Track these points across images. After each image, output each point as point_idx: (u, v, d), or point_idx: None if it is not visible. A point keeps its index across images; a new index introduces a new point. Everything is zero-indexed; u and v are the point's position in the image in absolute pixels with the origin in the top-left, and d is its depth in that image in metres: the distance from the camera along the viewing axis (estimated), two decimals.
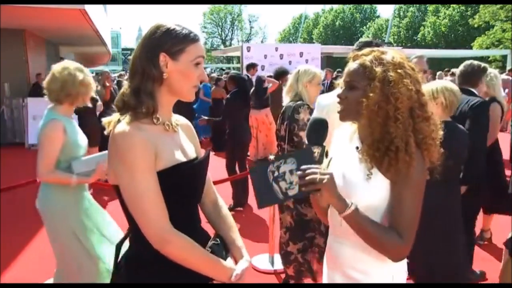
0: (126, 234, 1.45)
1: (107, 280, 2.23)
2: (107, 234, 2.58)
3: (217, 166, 6.16)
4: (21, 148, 9.59)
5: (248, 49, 15.72)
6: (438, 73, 11.91)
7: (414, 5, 45.00)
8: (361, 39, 2.71)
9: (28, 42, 11.63)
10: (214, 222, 1.53)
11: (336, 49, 23.07)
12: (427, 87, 2.53)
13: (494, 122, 3.47)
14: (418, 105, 1.35)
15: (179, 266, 1.27)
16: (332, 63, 20.34)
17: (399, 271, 1.46)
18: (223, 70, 23.46)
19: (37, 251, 4.17)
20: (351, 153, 1.45)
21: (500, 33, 31.20)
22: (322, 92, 3.18)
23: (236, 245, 1.46)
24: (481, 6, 32.22)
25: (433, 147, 1.37)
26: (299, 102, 2.99)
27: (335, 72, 12.32)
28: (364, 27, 50.78)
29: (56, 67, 2.54)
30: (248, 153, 7.22)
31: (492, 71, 3.92)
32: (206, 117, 6.04)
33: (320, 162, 1.33)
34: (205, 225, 1.53)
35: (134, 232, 1.31)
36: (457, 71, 3.82)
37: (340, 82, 1.49)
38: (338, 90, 1.48)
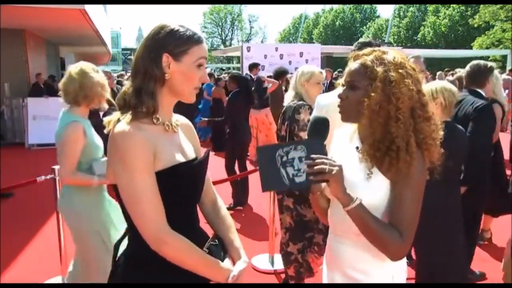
0: (125, 233, 1.45)
1: None
2: None
3: (217, 166, 6.16)
4: (21, 148, 9.59)
5: (248, 49, 15.74)
6: (438, 73, 11.90)
7: (414, 5, 44.99)
8: (360, 40, 2.71)
9: (28, 42, 11.64)
10: (213, 222, 1.53)
11: (336, 49, 23.09)
12: (426, 88, 2.53)
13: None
14: (419, 105, 1.35)
15: (177, 266, 1.27)
16: (332, 63, 20.34)
17: (399, 271, 1.46)
18: (223, 70, 23.47)
19: (37, 251, 4.17)
20: (351, 153, 1.45)
21: (500, 33, 31.19)
22: (322, 92, 3.17)
23: (234, 246, 1.46)
24: (481, 6, 32.21)
25: (433, 147, 1.37)
26: (299, 102, 2.99)
27: (336, 72, 12.31)
28: (364, 27, 50.78)
29: (73, 68, 2.53)
30: (248, 153, 7.22)
31: None
32: (206, 119, 6.02)
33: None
34: (204, 225, 1.53)
35: (133, 231, 1.31)
36: (462, 71, 3.81)
37: (341, 82, 1.49)
38: (338, 90, 1.48)
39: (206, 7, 77.47)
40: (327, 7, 56.25)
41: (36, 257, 4.04)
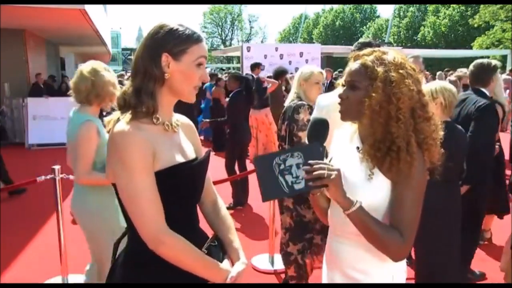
0: (125, 232, 1.45)
1: None
2: None
3: (217, 166, 6.16)
4: (21, 148, 9.59)
5: (248, 49, 15.73)
6: (438, 73, 11.89)
7: (414, 5, 44.97)
8: (360, 40, 2.71)
9: (28, 42, 11.65)
10: (213, 222, 1.53)
11: (336, 49, 23.07)
12: (426, 88, 2.53)
13: None
14: (419, 105, 1.36)
15: (176, 266, 1.27)
16: (332, 63, 20.33)
17: (399, 271, 1.46)
18: (223, 70, 23.46)
19: (37, 251, 4.17)
20: (352, 153, 1.45)
21: (500, 33, 31.18)
22: (322, 92, 3.17)
23: (233, 247, 1.45)
24: (481, 6, 32.18)
25: (433, 147, 1.37)
26: (299, 102, 2.99)
27: (336, 72, 12.30)
28: (364, 27, 50.78)
29: (85, 67, 2.53)
30: (248, 153, 7.22)
31: None
32: (208, 120, 5.99)
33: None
34: (204, 225, 1.53)
35: (132, 230, 1.31)
36: (463, 70, 3.82)
37: (341, 82, 1.49)
38: (339, 90, 1.48)
39: (206, 7, 77.53)
40: (327, 7, 56.31)
41: (36, 257, 4.04)
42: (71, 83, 2.59)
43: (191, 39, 1.33)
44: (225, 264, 1.38)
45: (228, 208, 5.11)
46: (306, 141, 1.42)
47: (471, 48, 33.81)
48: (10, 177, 5.88)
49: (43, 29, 11.61)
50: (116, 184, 1.29)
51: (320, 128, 1.39)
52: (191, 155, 1.43)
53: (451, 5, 39.75)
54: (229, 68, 27.80)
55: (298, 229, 3.01)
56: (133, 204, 1.24)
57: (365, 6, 52.73)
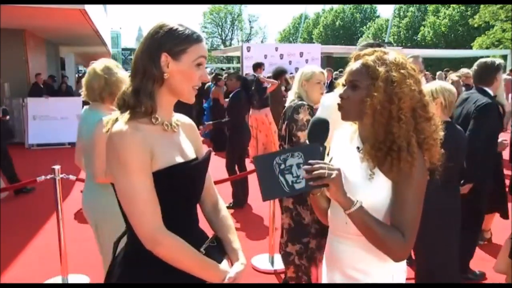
0: (124, 231, 1.45)
1: None
2: None
3: (217, 166, 6.16)
4: (21, 148, 9.58)
5: (248, 49, 15.73)
6: (438, 73, 11.89)
7: (414, 5, 44.97)
8: (364, 42, 2.70)
9: (28, 42, 11.64)
10: (213, 223, 1.53)
11: (336, 49, 23.08)
12: (426, 88, 2.54)
13: None
14: (420, 105, 1.36)
15: (174, 266, 1.27)
16: (332, 63, 20.32)
17: (399, 271, 1.46)
18: (223, 70, 23.44)
19: (37, 251, 4.17)
20: (352, 154, 1.45)
21: (500, 33, 31.18)
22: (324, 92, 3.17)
23: (232, 247, 1.45)
24: (481, 6, 32.18)
25: (434, 147, 1.37)
26: (299, 102, 2.98)
27: (337, 72, 12.30)
28: (364, 27, 50.76)
29: (98, 65, 2.53)
30: (248, 153, 7.22)
31: None
32: (211, 122, 5.95)
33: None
34: (204, 225, 1.53)
35: (131, 230, 1.31)
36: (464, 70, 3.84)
37: (341, 82, 1.49)
38: (339, 90, 1.48)
39: (206, 7, 77.49)
40: (327, 7, 56.29)
41: (36, 257, 4.04)
42: (83, 81, 2.59)
43: (191, 39, 1.33)
44: (224, 264, 1.38)
45: (228, 208, 5.11)
46: (306, 141, 1.42)
47: (471, 48, 33.81)
48: (17, 176, 5.92)
49: (43, 29, 11.60)
50: (114, 184, 1.29)
51: (321, 128, 1.39)
52: (191, 155, 1.42)
53: (451, 5, 39.73)
54: (229, 68, 27.78)
55: (298, 230, 3.01)
56: (130, 205, 1.24)
57: (365, 6, 52.72)
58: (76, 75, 20.24)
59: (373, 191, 1.36)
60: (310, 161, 1.27)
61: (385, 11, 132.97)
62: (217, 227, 1.51)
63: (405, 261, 1.47)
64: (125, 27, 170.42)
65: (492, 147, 3.33)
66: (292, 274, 3.09)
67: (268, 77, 8.88)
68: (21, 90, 10.96)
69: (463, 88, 7.68)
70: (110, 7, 20.41)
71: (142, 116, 1.31)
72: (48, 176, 3.45)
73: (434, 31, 40.73)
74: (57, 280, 3.51)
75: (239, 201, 5.47)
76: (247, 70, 14.08)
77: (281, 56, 15.82)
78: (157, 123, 1.33)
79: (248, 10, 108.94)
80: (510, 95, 7.73)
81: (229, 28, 61.15)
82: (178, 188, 1.34)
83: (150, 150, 1.27)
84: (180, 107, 1.45)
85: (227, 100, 6.48)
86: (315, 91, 3.01)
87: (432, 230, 2.54)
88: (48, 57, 14.90)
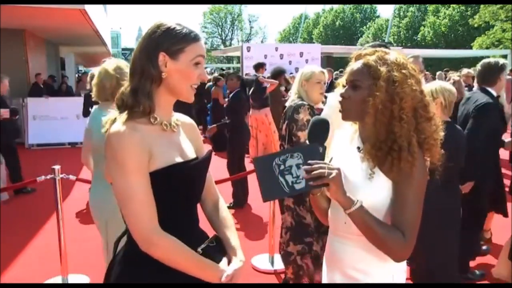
0: (125, 231, 1.45)
1: None
2: None
3: (217, 166, 6.16)
4: (21, 148, 9.57)
5: (248, 49, 15.72)
6: (438, 73, 11.90)
7: (414, 5, 44.97)
8: (368, 44, 2.71)
9: (28, 42, 11.64)
10: (214, 222, 1.53)
11: (336, 49, 23.07)
12: (426, 88, 2.54)
13: None
14: (421, 105, 1.36)
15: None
16: (332, 63, 20.32)
17: (399, 271, 1.46)
18: (223, 70, 23.44)
19: (37, 251, 4.17)
20: (352, 154, 1.45)
21: (500, 33, 31.18)
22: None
23: (230, 245, 1.45)
24: (481, 6, 32.18)
25: (434, 147, 1.37)
26: (299, 102, 2.98)
27: (337, 72, 12.30)
28: (364, 27, 50.76)
29: (109, 65, 2.54)
30: (248, 153, 7.22)
31: None
32: (215, 125, 5.89)
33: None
34: (204, 226, 1.53)
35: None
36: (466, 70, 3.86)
37: (341, 82, 1.49)
38: (340, 90, 1.48)
39: (206, 7, 77.41)
40: (327, 7, 56.29)
41: (36, 257, 4.04)
42: (93, 82, 2.59)
43: (189, 38, 1.33)
44: (222, 264, 1.37)
45: (228, 208, 5.08)
46: (306, 141, 1.42)
47: (471, 48, 33.81)
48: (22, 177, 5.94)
49: (43, 29, 11.60)
50: (112, 185, 1.29)
51: (321, 128, 1.39)
52: (191, 154, 1.42)
53: (451, 5, 39.74)
54: (229, 68, 27.79)
55: (299, 230, 3.01)
56: (127, 205, 1.24)
57: (365, 6, 52.72)
58: (76, 75, 20.25)
59: (373, 191, 1.36)
60: (309, 161, 1.28)
61: (385, 11, 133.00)
62: (217, 226, 1.51)
63: (405, 261, 1.47)
64: (125, 27, 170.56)
65: (492, 147, 3.34)
66: (291, 275, 3.09)
67: (267, 77, 8.89)
68: (21, 90, 10.95)
69: (466, 88, 7.68)
70: (110, 7, 20.43)
71: (141, 116, 1.31)
72: (48, 176, 3.45)
73: (434, 31, 40.73)
74: (57, 280, 3.51)
75: (239, 201, 5.47)
76: (247, 70, 14.07)
77: (281, 56, 15.81)
78: (155, 123, 1.33)
79: (248, 10, 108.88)
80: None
81: (229, 28, 61.14)
82: (178, 188, 1.34)
83: (148, 150, 1.27)
84: (180, 106, 1.45)
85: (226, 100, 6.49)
86: (315, 90, 3.01)
87: (432, 230, 2.54)
88: (48, 57, 14.90)
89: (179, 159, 1.35)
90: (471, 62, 29.78)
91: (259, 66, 8.68)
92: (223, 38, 60.58)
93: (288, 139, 3.01)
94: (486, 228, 4.17)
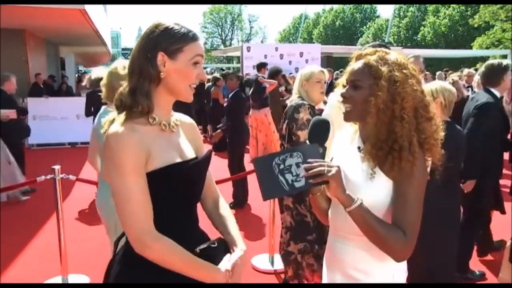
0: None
1: None
2: None
3: (218, 166, 6.17)
4: None
5: (248, 49, 15.72)
6: (438, 73, 11.90)
7: (414, 5, 44.97)
8: (368, 44, 2.72)
9: (28, 42, 11.64)
10: (214, 218, 1.53)
11: (336, 49, 23.08)
12: (426, 88, 2.54)
13: None
14: (422, 105, 1.36)
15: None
16: (332, 63, 20.33)
17: (399, 271, 1.46)
18: (223, 70, 23.45)
19: (37, 251, 4.17)
20: (353, 154, 1.45)
21: (500, 33, 31.19)
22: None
23: (231, 235, 1.45)
24: (481, 6, 32.19)
25: (435, 147, 1.38)
26: (300, 102, 2.99)
27: (338, 72, 12.31)
28: (364, 27, 50.76)
29: (118, 65, 2.53)
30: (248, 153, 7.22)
31: None
32: (218, 130, 5.82)
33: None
34: (205, 226, 1.53)
35: None
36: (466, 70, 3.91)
37: (341, 82, 1.49)
38: (340, 90, 1.48)
39: (206, 7, 77.41)
40: (327, 7, 56.30)
41: (36, 257, 4.04)
42: (102, 83, 2.59)
43: (187, 37, 1.33)
44: (222, 264, 1.35)
45: None
46: (306, 141, 1.42)
47: (471, 48, 33.82)
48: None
49: (43, 29, 11.61)
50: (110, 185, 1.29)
51: (321, 129, 1.39)
52: (190, 154, 1.42)
53: (451, 5, 39.75)
54: (229, 68, 27.79)
55: (299, 228, 3.01)
56: (122, 206, 1.24)
57: (365, 6, 52.73)
58: (76, 75, 20.25)
59: (374, 190, 1.36)
60: (309, 160, 1.28)
61: (385, 11, 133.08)
62: (218, 222, 1.51)
63: (405, 261, 1.47)
64: (125, 27, 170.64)
65: (493, 146, 3.35)
66: (293, 273, 3.09)
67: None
68: (21, 90, 10.91)
69: (469, 89, 7.70)
70: (110, 7, 20.44)
71: (139, 116, 1.30)
72: (48, 176, 3.45)
73: (434, 31, 40.74)
74: (57, 280, 3.51)
75: (240, 201, 5.48)
76: (247, 70, 14.08)
77: (281, 56, 15.81)
78: (154, 123, 1.33)
79: (248, 10, 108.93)
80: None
81: (229, 28, 61.13)
82: (177, 188, 1.34)
83: (147, 151, 1.26)
84: (180, 106, 1.45)
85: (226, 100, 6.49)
86: (315, 90, 3.02)
87: (432, 230, 2.54)
88: (48, 57, 14.91)
89: (178, 159, 1.35)
90: (471, 62, 29.78)
91: (261, 66, 8.67)
92: (223, 38, 60.58)
93: (288, 138, 3.02)
94: None
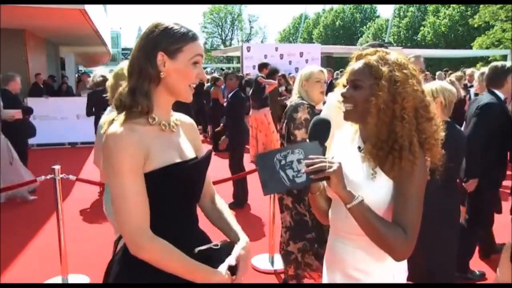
0: None
1: None
2: None
3: (217, 166, 6.17)
4: None
5: (248, 49, 15.73)
6: (437, 73, 11.92)
7: (414, 5, 44.98)
8: (367, 43, 2.72)
9: (28, 42, 11.64)
10: (212, 214, 1.54)
11: (336, 49, 23.11)
12: (426, 88, 2.55)
13: None
14: (422, 105, 1.37)
15: None
16: (332, 63, 20.34)
17: (399, 271, 1.46)
18: (223, 70, 23.46)
19: (37, 251, 4.17)
20: (353, 154, 1.45)
21: (500, 33, 31.18)
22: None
23: (231, 228, 1.47)
24: (481, 6, 32.19)
25: (435, 147, 1.38)
26: (299, 101, 2.99)
27: (338, 72, 12.31)
28: (364, 27, 50.77)
29: (125, 66, 2.53)
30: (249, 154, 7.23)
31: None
32: (224, 137, 5.56)
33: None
34: (204, 226, 1.53)
35: None
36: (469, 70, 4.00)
37: (341, 81, 1.49)
38: (340, 90, 1.48)
39: (206, 7, 77.40)
40: (327, 7, 56.31)
41: (36, 257, 4.04)
42: (108, 83, 2.59)
43: (187, 37, 1.32)
44: (222, 267, 1.32)
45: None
46: (303, 140, 1.43)
47: (471, 48, 33.81)
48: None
49: (43, 29, 11.61)
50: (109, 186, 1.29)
51: (322, 128, 1.39)
52: (190, 154, 1.42)
53: (451, 5, 39.75)
54: (229, 68, 27.80)
55: (298, 228, 3.02)
56: (118, 207, 1.24)
57: (365, 6, 52.74)
58: (76, 75, 20.25)
59: (374, 190, 1.36)
60: (310, 156, 1.29)
61: (385, 11, 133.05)
62: (216, 216, 1.52)
63: (405, 261, 1.47)
64: (125, 27, 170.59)
65: (495, 146, 3.38)
66: (293, 273, 3.09)
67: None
68: (21, 90, 10.94)
69: (470, 90, 7.71)
70: (110, 7, 20.44)
71: (139, 116, 1.30)
72: (48, 176, 3.45)
73: (434, 31, 40.74)
74: (57, 280, 3.51)
75: (240, 201, 5.48)
76: (247, 70, 14.08)
77: (281, 56, 15.83)
78: (154, 123, 1.33)
79: (248, 10, 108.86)
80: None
81: (229, 28, 61.14)
82: (177, 188, 1.33)
83: (146, 151, 1.26)
84: (179, 106, 1.45)
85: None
86: (315, 90, 3.02)
87: (432, 230, 2.54)
88: (48, 57, 14.91)
89: (178, 159, 1.34)
90: (471, 62, 29.80)
91: (262, 66, 8.67)
92: (223, 38, 60.59)
93: (287, 138, 3.02)
94: None
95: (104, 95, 2.64)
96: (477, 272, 3.54)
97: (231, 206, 5.32)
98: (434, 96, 2.67)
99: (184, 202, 1.40)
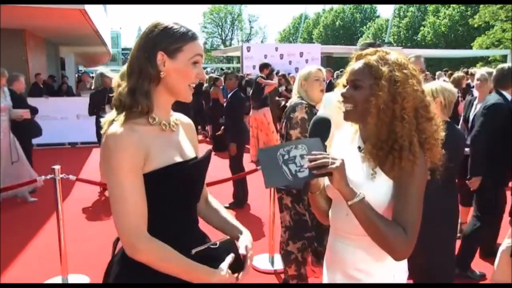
0: None
1: None
2: None
3: (217, 166, 6.17)
4: None
5: (248, 49, 15.74)
6: (437, 73, 11.93)
7: (414, 5, 44.98)
8: (364, 41, 2.72)
9: (28, 42, 11.64)
10: (207, 213, 1.54)
11: (336, 49, 23.12)
12: (426, 87, 2.55)
13: None
14: (422, 105, 1.37)
15: None
16: (332, 63, 20.34)
17: (399, 271, 1.46)
18: (223, 70, 23.46)
19: (37, 251, 4.17)
20: (353, 154, 1.45)
21: (500, 33, 31.18)
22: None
23: (232, 224, 1.48)
24: (481, 6, 32.20)
25: (435, 147, 1.38)
26: (298, 101, 2.99)
27: (338, 72, 12.30)
28: (364, 27, 50.77)
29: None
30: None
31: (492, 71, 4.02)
32: (233, 144, 5.40)
33: None
34: (204, 227, 1.53)
35: None
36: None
37: (341, 82, 1.49)
38: (340, 90, 1.48)
39: (206, 7, 77.37)
40: (327, 7, 56.32)
41: (36, 257, 4.04)
42: (113, 83, 2.59)
43: (186, 37, 1.32)
44: (222, 266, 1.32)
45: (227, 208, 5.08)
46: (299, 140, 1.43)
47: (471, 48, 33.81)
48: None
49: (43, 29, 11.60)
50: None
51: (322, 128, 1.40)
52: (190, 154, 1.42)
53: (451, 5, 39.75)
54: (229, 68, 27.80)
55: (298, 227, 3.02)
56: (115, 207, 1.23)
57: (365, 6, 52.74)
58: (76, 75, 20.25)
59: (375, 190, 1.36)
60: (313, 152, 1.30)
61: (385, 11, 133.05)
62: (212, 215, 1.53)
63: (406, 260, 1.47)
64: (125, 27, 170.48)
65: (502, 146, 3.41)
66: (293, 273, 3.10)
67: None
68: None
69: (472, 90, 7.71)
70: (110, 7, 20.43)
71: (139, 116, 1.30)
72: (48, 176, 3.45)
73: (434, 31, 40.74)
74: (57, 280, 3.51)
75: (240, 201, 5.48)
76: (247, 70, 14.09)
77: (281, 56, 15.83)
78: (154, 123, 1.32)
79: (248, 10, 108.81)
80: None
81: (229, 28, 61.14)
82: (177, 188, 1.33)
83: (146, 151, 1.26)
84: (178, 106, 1.45)
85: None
86: (314, 88, 3.02)
87: (432, 230, 2.54)
88: (48, 57, 14.90)
89: (178, 159, 1.34)
90: (471, 62, 29.82)
91: (263, 67, 8.67)
92: (223, 38, 60.58)
93: (286, 138, 3.03)
94: (462, 221, 4.17)
95: (111, 95, 2.64)
96: (478, 273, 3.54)
97: (231, 206, 5.33)
98: (434, 96, 2.67)
99: (184, 202, 1.40)
